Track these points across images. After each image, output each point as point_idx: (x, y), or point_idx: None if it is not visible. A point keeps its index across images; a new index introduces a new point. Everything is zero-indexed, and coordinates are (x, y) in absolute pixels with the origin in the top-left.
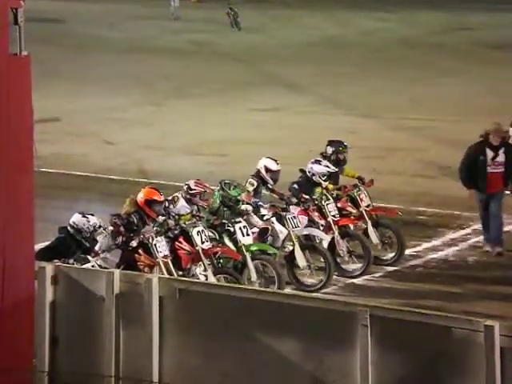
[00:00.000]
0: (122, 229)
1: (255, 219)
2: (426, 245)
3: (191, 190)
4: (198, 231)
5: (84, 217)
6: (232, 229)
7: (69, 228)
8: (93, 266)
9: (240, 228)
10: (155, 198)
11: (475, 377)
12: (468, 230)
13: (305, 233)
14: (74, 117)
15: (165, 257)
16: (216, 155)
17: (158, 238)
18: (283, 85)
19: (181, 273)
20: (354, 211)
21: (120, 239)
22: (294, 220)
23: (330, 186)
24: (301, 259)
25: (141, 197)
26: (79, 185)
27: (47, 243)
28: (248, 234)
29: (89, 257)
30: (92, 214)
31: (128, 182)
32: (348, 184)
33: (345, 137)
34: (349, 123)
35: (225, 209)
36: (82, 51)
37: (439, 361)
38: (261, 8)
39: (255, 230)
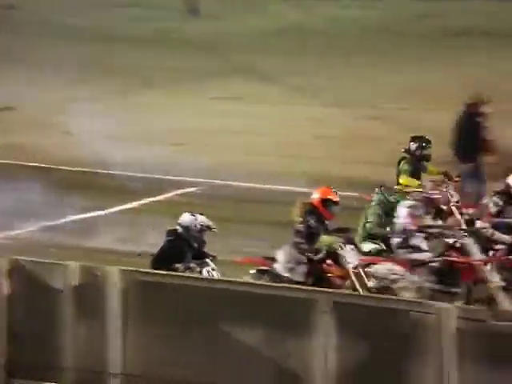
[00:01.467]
0: (303, 244)
1: (499, 235)
2: None
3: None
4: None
5: (192, 215)
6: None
7: (177, 227)
8: (213, 269)
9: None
10: (330, 197)
11: (433, 358)
12: None
13: None
14: (31, 106)
15: (355, 267)
16: (178, 145)
17: (347, 248)
18: (247, 73)
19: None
20: (445, 207)
21: (304, 249)
22: None
23: None
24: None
25: (316, 196)
26: (36, 176)
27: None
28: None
29: (208, 260)
30: (201, 214)
31: (87, 173)
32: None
33: (313, 126)
34: (316, 113)
35: (381, 213)
36: (41, 39)
37: (398, 344)
38: None
39: (500, 246)
